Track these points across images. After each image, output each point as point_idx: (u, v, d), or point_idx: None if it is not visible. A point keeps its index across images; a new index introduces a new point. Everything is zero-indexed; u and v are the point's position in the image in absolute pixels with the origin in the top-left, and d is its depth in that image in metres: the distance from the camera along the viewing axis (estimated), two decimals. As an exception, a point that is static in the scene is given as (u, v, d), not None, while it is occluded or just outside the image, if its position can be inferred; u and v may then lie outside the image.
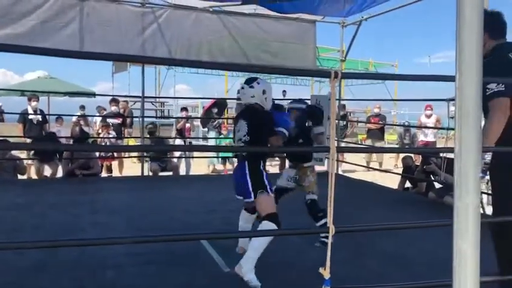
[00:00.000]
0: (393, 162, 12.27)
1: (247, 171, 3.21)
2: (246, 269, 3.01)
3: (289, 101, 4.47)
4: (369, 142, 11.12)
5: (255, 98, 3.32)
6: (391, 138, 15.38)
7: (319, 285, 2.17)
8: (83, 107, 11.91)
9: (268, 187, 3.21)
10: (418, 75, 2.31)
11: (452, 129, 2.48)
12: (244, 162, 3.25)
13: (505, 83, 2.50)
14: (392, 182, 8.20)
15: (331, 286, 2.17)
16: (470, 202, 0.96)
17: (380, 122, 11.03)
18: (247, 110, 3.40)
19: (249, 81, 3.39)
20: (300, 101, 4.40)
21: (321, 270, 2.16)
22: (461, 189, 0.97)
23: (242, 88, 3.42)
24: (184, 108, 10.40)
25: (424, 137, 10.96)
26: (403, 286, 2.52)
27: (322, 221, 3.79)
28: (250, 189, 3.19)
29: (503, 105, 2.52)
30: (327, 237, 3.61)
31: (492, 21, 2.71)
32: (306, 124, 4.05)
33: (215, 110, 10.27)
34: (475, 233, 0.96)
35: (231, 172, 10.10)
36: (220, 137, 10.31)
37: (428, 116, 10.74)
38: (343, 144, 9.29)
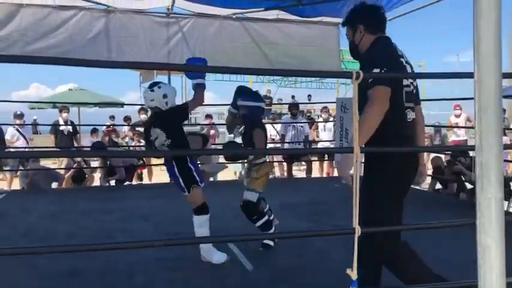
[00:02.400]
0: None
1: (176, 170, 3.43)
2: (207, 255, 3.41)
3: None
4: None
5: (155, 101, 3.46)
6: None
7: (347, 286, 2.16)
8: (113, 117, 12.19)
9: (198, 181, 3.47)
10: (440, 73, 2.29)
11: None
12: (172, 162, 3.44)
13: (388, 69, 2.26)
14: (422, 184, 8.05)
15: (358, 287, 2.16)
16: (493, 195, 0.95)
17: None
18: (155, 117, 3.55)
19: (151, 85, 3.54)
20: (253, 95, 4.09)
21: (348, 271, 2.15)
22: (483, 183, 0.95)
23: (144, 92, 3.57)
24: (208, 116, 10.50)
25: (456, 136, 10.73)
26: (433, 286, 2.47)
27: (258, 223, 3.77)
28: (183, 185, 3.45)
29: (381, 95, 2.20)
30: (262, 223, 3.78)
31: (370, 15, 2.54)
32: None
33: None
34: (499, 227, 0.95)
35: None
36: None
37: (458, 116, 10.53)
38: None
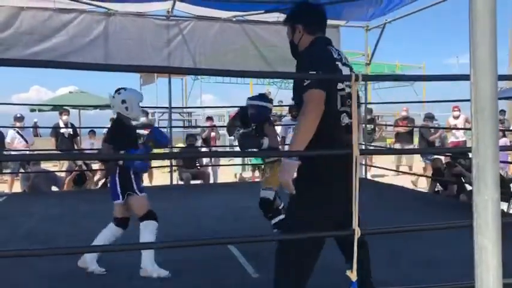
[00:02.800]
0: (423, 165, 12.05)
1: (117, 174, 3.39)
2: (149, 269, 3.30)
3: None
4: (397, 146, 10.97)
5: (115, 107, 3.49)
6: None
7: (346, 287, 2.17)
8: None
9: (136, 189, 3.40)
10: (439, 75, 2.31)
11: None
12: (116, 167, 3.43)
13: (320, 73, 2.20)
14: (422, 185, 8.06)
15: (358, 289, 2.17)
16: (490, 197, 0.96)
17: (408, 125, 10.88)
18: (113, 123, 3.66)
19: (116, 91, 3.54)
20: (260, 97, 4.34)
21: (348, 272, 2.16)
22: (479, 184, 0.97)
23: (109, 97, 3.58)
24: (209, 118, 10.52)
25: (455, 138, 10.75)
26: (431, 286, 2.48)
27: (274, 221, 3.97)
28: (119, 191, 3.38)
29: (316, 98, 2.14)
30: (278, 220, 3.93)
31: (310, 15, 2.48)
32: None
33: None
34: (495, 228, 0.96)
35: (258, 180, 10.17)
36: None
37: (456, 117, 10.57)
38: (371, 149, 9.20)
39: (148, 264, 3.30)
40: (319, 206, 2.26)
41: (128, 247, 3.20)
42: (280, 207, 4.12)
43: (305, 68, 2.26)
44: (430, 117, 10.43)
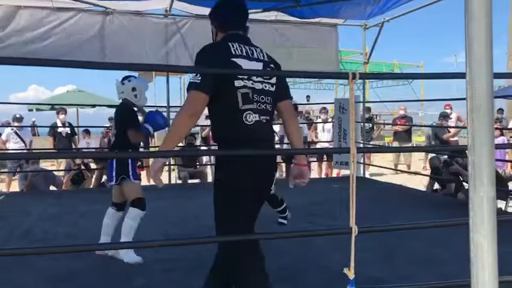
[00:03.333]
0: (422, 164, 12.08)
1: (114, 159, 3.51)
2: (122, 254, 3.44)
3: None
4: (395, 144, 11.00)
5: (124, 93, 3.62)
6: (419, 139, 15.14)
7: (344, 286, 2.17)
8: (111, 119, 12.20)
9: (131, 174, 3.49)
10: (436, 73, 2.31)
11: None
12: (114, 150, 3.60)
13: (202, 74, 2.10)
14: (421, 184, 8.07)
15: (356, 286, 2.17)
16: (485, 194, 0.96)
17: (406, 124, 10.90)
18: (117, 106, 3.75)
19: (123, 79, 3.67)
20: None
21: (345, 270, 2.16)
22: (475, 182, 0.97)
23: (116, 84, 3.70)
24: (208, 116, 10.50)
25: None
26: (429, 286, 2.49)
27: (281, 207, 4.63)
28: (113, 173, 3.50)
29: (191, 99, 2.08)
30: (284, 218, 4.50)
31: (221, 12, 2.44)
32: None
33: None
34: (491, 225, 0.96)
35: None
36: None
37: (448, 115, 10.63)
38: (368, 147, 9.20)
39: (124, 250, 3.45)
40: (239, 201, 2.21)
41: (128, 245, 3.21)
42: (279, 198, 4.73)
43: (194, 65, 2.23)
44: (444, 116, 10.35)
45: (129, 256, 3.48)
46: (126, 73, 3.91)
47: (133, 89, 3.59)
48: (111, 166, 3.54)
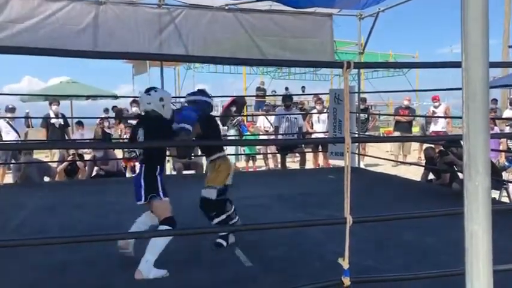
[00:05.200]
0: (417, 154, 12.11)
1: (142, 174, 3.35)
2: (145, 273, 3.15)
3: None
4: (397, 135, 11.02)
5: (151, 104, 3.43)
6: (414, 130, 15.16)
7: (339, 275, 2.18)
8: (107, 110, 12.15)
9: (160, 192, 3.32)
10: (431, 62, 2.30)
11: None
12: (142, 166, 3.39)
13: None
14: (416, 174, 8.10)
15: (350, 276, 2.18)
16: (480, 183, 0.96)
17: (409, 115, 10.93)
18: (144, 117, 3.54)
19: (147, 90, 3.51)
20: (200, 92, 4.03)
21: (340, 260, 2.17)
22: (470, 171, 0.96)
23: (140, 96, 3.53)
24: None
25: (434, 125, 10.85)
26: (425, 275, 2.50)
27: (215, 221, 3.72)
28: (142, 192, 3.31)
29: None
30: (223, 237, 3.73)
31: None
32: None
33: (234, 108, 10.31)
34: (485, 214, 0.96)
35: (252, 169, 10.18)
36: (246, 134, 10.36)
37: (436, 107, 10.68)
38: (362, 137, 9.22)
39: (146, 270, 3.19)
40: None
41: (122, 236, 3.19)
42: (227, 209, 3.89)
43: None
44: None
45: (153, 273, 3.24)
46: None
47: (161, 100, 3.44)
48: (138, 183, 3.35)
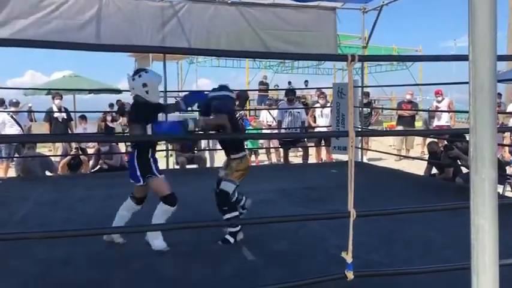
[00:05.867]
0: (420, 148, 12.08)
1: (135, 158, 3.45)
2: (150, 239, 3.50)
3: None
4: (400, 129, 10.98)
5: (135, 90, 3.44)
6: (417, 124, 15.10)
7: (342, 269, 2.17)
8: (112, 105, 12.16)
9: (155, 171, 3.47)
10: (435, 55, 2.28)
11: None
12: (135, 150, 3.49)
13: None
14: (420, 169, 8.08)
15: (354, 270, 2.17)
16: (487, 176, 0.94)
17: (412, 109, 10.88)
18: (132, 103, 3.61)
19: (134, 73, 3.50)
20: (222, 88, 3.96)
21: (343, 254, 2.16)
22: (477, 164, 0.95)
23: (128, 79, 3.51)
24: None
25: (438, 121, 10.81)
26: (428, 269, 2.49)
27: (226, 216, 3.68)
28: (138, 174, 3.44)
29: None
30: (231, 234, 3.70)
31: None
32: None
33: (236, 102, 10.29)
34: (492, 207, 0.95)
35: (254, 164, 10.16)
36: (248, 128, 10.34)
37: (440, 101, 10.63)
38: (365, 130, 9.19)
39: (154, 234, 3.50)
40: None
41: (122, 230, 3.20)
42: (240, 205, 3.97)
43: None
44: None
45: (157, 243, 3.46)
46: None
47: (144, 85, 3.39)
48: (133, 167, 3.44)
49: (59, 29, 6.52)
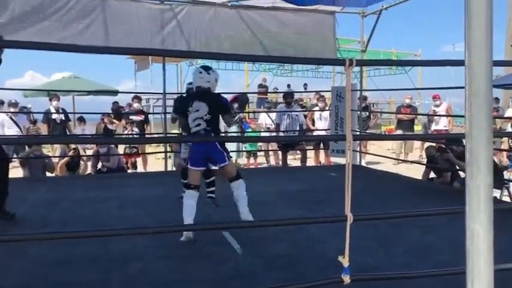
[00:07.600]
0: (418, 153, 12.10)
1: (217, 143, 3.83)
2: (247, 215, 3.87)
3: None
4: (398, 133, 11.00)
5: (210, 83, 3.88)
6: (416, 128, 15.12)
7: (339, 273, 2.17)
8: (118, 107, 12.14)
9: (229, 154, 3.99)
10: (433, 60, 2.28)
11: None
12: (208, 134, 3.86)
13: None
14: (418, 173, 8.08)
15: (350, 274, 2.17)
16: (482, 182, 0.95)
17: (411, 113, 10.91)
18: (204, 93, 3.90)
19: (206, 68, 3.99)
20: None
21: (340, 258, 2.17)
22: (472, 169, 0.95)
23: (200, 72, 3.93)
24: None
25: (436, 125, 10.84)
26: (425, 274, 2.50)
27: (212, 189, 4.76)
28: (225, 154, 3.85)
29: None
30: (213, 192, 4.72)
31: None
32: None
33: (236, 105, 10.31)
34: (487, 213, 0.95)
35: (253, 166, 10.16)
36: (248, 130, 10.35)
37: (438, 106, 10.66)
38: (363, 134, 9.20)
39: (247, 212, 3.88)
40: None
41: (129, 231, 3.20)
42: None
43: None
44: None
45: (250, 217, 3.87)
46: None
47: (216, 80, 3.90)
48: (216, 149, 3.78)
49: (59, 31, 6.53)
